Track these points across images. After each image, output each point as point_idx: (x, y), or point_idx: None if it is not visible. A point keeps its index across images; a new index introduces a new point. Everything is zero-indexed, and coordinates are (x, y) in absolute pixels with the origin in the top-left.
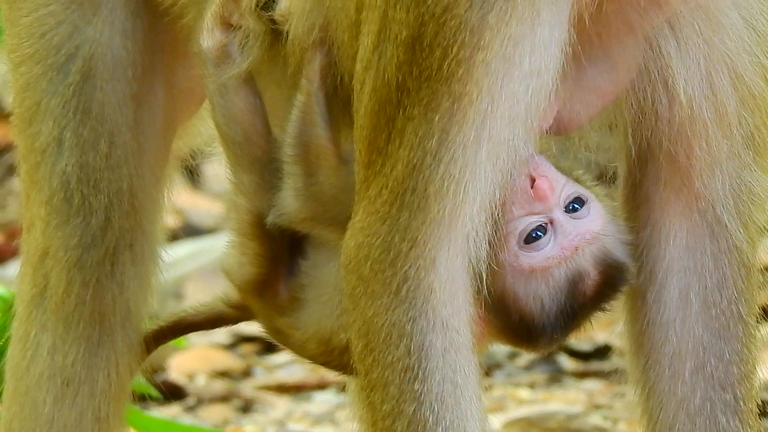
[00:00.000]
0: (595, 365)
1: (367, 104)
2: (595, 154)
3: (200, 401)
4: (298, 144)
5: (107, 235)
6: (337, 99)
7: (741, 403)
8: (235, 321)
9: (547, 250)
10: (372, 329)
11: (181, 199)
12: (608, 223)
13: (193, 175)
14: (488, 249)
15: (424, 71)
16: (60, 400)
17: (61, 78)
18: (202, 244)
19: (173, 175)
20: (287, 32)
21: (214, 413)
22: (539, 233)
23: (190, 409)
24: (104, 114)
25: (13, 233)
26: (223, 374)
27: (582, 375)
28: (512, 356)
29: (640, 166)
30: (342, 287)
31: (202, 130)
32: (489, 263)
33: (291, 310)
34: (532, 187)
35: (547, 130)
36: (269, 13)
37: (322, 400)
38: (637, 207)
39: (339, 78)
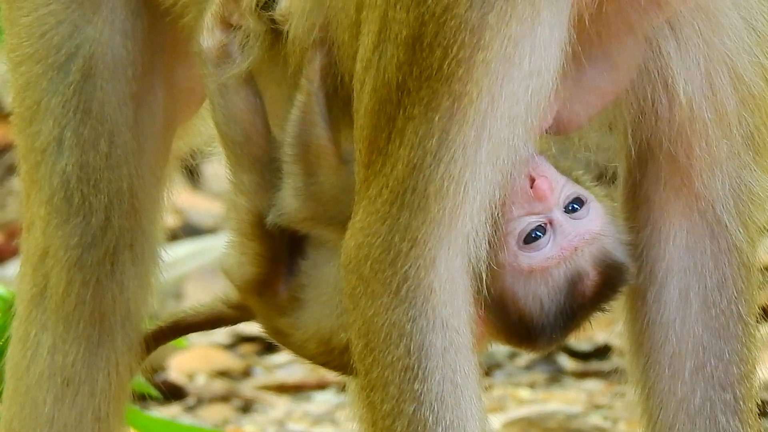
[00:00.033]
0: (594, 365)
1: (367, 104)
2: (595, 154)
3: (200, 401)
4: (298, 144)
5: (107, 234)
6: (338, 99)
7: (741, 402)
8: (235, 321)
9: (547, 250)
10: (372, 329)
11: (181, 199)
12: (608, 223)
13: (193, 174)
14: (488, 249)
15: (425, 71)
16: (60, 400)
17: (61, 77)
18: (201, 244)
19: (173, 175)
20: (287, 32)
21: (214, 413)
22: (538, 233)
23: (190, 408)
24: (104, 113)
25: (13, 233)
26: (223, 374)
27: (582, 375)
28: (512, 356)
29: (639, 166)
30: (342, 287)
31: (202, 130)
32: (489, 263)
33: (291, 310)
34: (531, 187)
35: (546, 130)
36: (269, 13)
37: (322, 400)
38: (636, 207)
39: (339, 78)
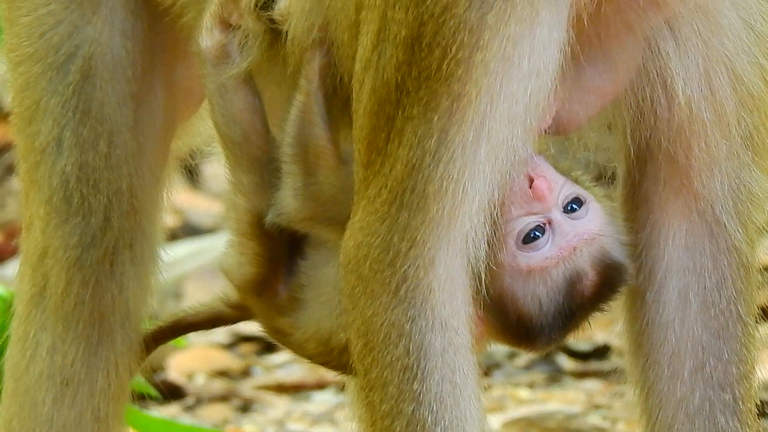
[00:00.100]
0: (594, 365)
1: (366, 104)
2: (594, 154)
3: (199, 401)
4: (298, 144)
5: (107, 234)
6: (337, 99)
7: (740, 403)
8: (234, 321)
9: (545, 250)
10: (371, 329)
11: (180, 199)
12: (607, 223)
13: (192, 174)
14: (487, 249)
15: (424, 71)
16: (59, 400)
17: (60, 77)
18: (201, 244)
19: (172, 175)
20: (286, 32)
21: (214, 413)
22: (537, 233)
23: (190, 408)
24: (104, 113)
25: (12, 232)
26: (223, 374)
27: (581, 375)
28: (511, 356)
29: (639, 167)
30: (341, 287)
31: (201, 130)
32: (488, 263)
33: (290, 310)
34: (530, 188)
35: (545, 131)
36: (268, 13)
37: (321, 400)
38: (636, 207)
39: (338, 78)
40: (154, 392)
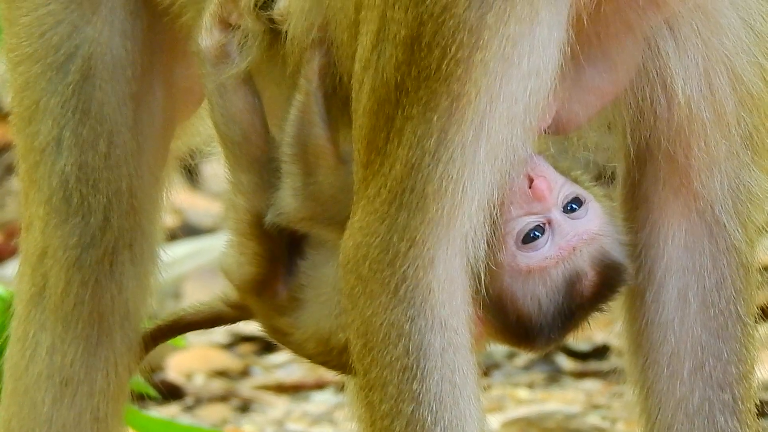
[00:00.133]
0: (593, 365)
1: (365, 104)
2: (594, 154)
3: (199, 401)
4: (297, 143)
5: (106, 234)
6: (336, 99)
7: (739, 403)
8: (233, 320)
9: (545, 250)
10: (370, 329)
11: (179, 199)
12: (606, 223)
13: (191, 174)
14: (486, 249)
15: (423, 71)
16: (59, 400)
17: (60, 77)
18: (200, 244)
19: (172, 175)
20: (286, 32)
21: (213, 413)
22: (537, 233)
23: (189, 408)
24: (103, 114)
25: (12, 232)
26: (222, 374)
27: (580, 375)
28: (511, 356)
29: (638, 166)
30: (341, 287)
31: (200, 130)
32: (487, 263)
33: (290, 310)
34: (530, 187)
35: (545, 130)
36: (268, 13)
37: (321, 400)
38: (635, 207)
39: (338, 78)
40: (153, 392)
